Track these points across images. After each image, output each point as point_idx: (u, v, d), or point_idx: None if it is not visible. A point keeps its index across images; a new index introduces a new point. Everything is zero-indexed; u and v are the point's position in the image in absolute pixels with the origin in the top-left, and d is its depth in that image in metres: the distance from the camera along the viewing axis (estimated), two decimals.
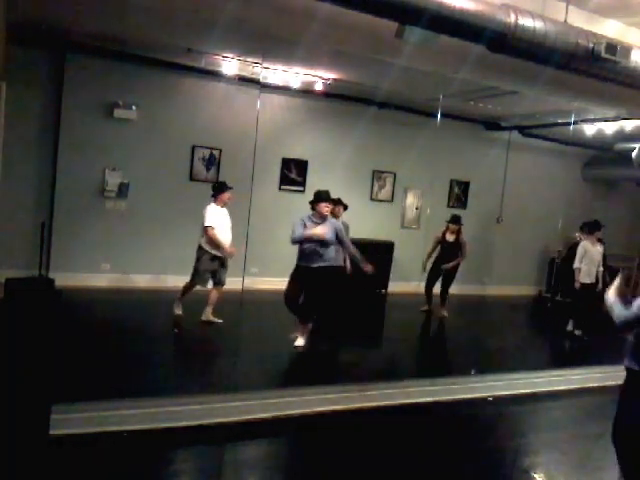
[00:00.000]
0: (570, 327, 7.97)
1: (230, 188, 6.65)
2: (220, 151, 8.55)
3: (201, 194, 7.19)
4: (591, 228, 7.86)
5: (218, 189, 6.62)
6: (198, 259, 6.48)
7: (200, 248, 6.48)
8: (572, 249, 9.24)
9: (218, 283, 6.60)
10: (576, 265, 7.71)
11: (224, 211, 6.61)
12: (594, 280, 7.70)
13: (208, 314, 6.58)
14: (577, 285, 7.65)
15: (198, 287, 6.68)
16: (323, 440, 4.29)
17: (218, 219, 6.46)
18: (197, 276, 6.49)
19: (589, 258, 7.67)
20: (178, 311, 6.68)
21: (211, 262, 6.47)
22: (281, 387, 5.00)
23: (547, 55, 4.45)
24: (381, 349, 7.12)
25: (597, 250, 7.77)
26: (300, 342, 5.99)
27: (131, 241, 8.14)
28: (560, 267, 9.62)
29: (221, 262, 6.58)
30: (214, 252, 6.45)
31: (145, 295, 7.95)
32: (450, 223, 8.21)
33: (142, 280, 8.19)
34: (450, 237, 8.20)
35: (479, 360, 6.53)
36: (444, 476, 3.99)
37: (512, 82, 6.14)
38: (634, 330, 3.10)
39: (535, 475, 4.04)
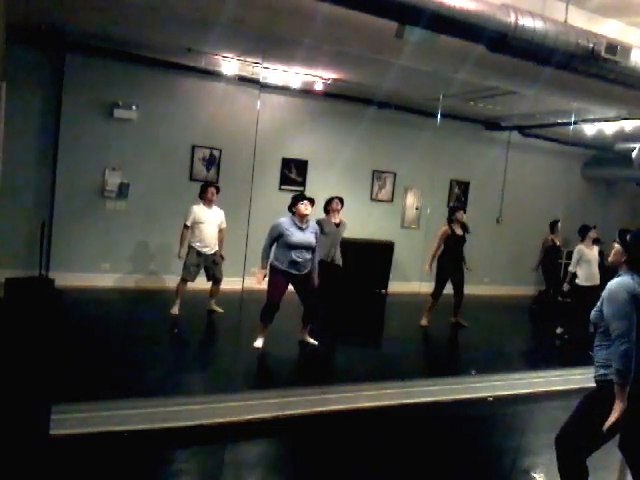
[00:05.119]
0: (559, 330, 7.96)
1: (211, 184, 7.01)
2: (220, 151, 8.54)
3: None
4: (581, 232, 7.83)
5: (201, 189, 6.96)
6: (186, 254, 6.81)
7: (189, 244, 6.85)
8: (548, 251, 9.31)
9: (212, 279, 6.95)
10: (571, 269, 7.68)
11: (211, 210, 6.88)
12: (597, 282, 7.57)
13: (211, 305, 7.11)
14: (576, 287, 7.61)
15: (193, 285, 6.88)
16: (323, 440, 4.29)
17: (200, 217, 6.78)
18: (184, 270, 6.80)
19: (586, 261, 7.60)
20: (175, 311, 6.78)
21: (197, 257, 6.77)
22: (281, 387, 4.99)
23: (547, 55, 4.45)
24: (381, 349, 7.11)
25: (593, 252, 7.73)
26: (260, 343, 5.80)
27: (131, 241, 8.14)
28: (539, 270, 9.63)
29: (212, 259, 6.86)
30: (198, 247, 6.77)
31: (145, 295, 7.95)
32: (457, 211, 7.64)
33: (142, 280, 8.19)
34: (459, 230, 7.57)
35: (479, 360, 6.53)
36: (444, 476, 3.99)
37: (512, 82, 6.14)
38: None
39: (535, 475, 4.04)
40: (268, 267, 5.83)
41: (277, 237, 5.73)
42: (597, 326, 3.07)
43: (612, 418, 2.84)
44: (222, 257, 6.95)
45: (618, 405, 2.84)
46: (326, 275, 6.92)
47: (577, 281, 7.64)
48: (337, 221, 7.15)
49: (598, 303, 3.07)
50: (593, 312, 3.11)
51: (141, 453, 3.77)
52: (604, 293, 3.03)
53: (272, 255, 5.83)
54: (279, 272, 5.73)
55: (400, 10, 3.87)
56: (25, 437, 3.49)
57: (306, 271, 5.80)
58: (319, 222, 7.04)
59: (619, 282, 2.98)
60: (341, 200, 7.24)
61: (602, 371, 3.03)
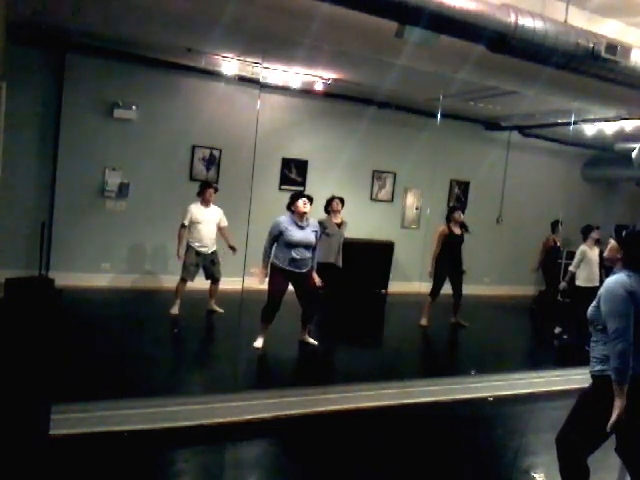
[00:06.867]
0: (557, 330, 7.95)
1: (210, 185, 7.03)
2: (220, 151, 8.55)
3: None
4: (583, 232, 7.81)
5: (199, 188, 6.99)
6: (185, 254, 6.81)
7: (187, 243, 6.84)
8: (549, 252, 9.29)
9: (211, 278, 6.99)
10: (571, 269, 7.66)
11: (209, 209, 6.91)
12: (597, 284, 7.51)
13: (211, 305, 7.12)
14: (576, 287, 7.60)
15: (193, 285, 6.91)
16: (323, 440, 4.29)
17: (197, 217, 6.79)
18: (183, 269, 6.81)
19: (588, 262, 7.57)
20: (175, 311, 6.79)
21: (196, 256, 6.79)
22: (281, 387, 4.99)
23: (547, 55, 4.45)
24: (381, 349, 7.11)
25: (594, 253, 7.71)
26: (260, 343, 5.82)
27: (131, 241, 8.15)
28: (540, 270, 9.61)
29: (210, 259, 6.90)
30: (197, 247, 6.80)
31: (145, 295, 7.95)
32: (455, 212, 7.63)
33: (142, 280, 8.19)
34: (457, 230, 7.54)
35: (479, 360, 6.53)
36: (444, 476, 3.99)
37: (512, 82, 6.14)
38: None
39: (535, 475, 4.04)
40: (269, 266, 5.85)
41: (277, 235, 5.74)
42: (594, 323, 3.07)
43: (613, 417, 2.84)
44: (234, 248, 6.83)
45: (617, 403, 2.84)
46: (327, 277, 6.92)
47: (577, 282, 7.62)
48: (338, 221, 7.16)
49: (595, 300, 3.08)
50: (590, 309, 3.11)
51: (141, 453, 3.77)
52: (601, 290, 3.04)
53: (272, 254, 5.85)
54: (279, 271, 5.75)
55: (400, 10, 3.87)
56: (25, 437, 3.49)
57: (306, 269, 5.81)
58: (321, 222, 7.03)
59: (616, 280, 2.97)
60: (341, 200, 7.25)
61: (599, 367, 3.03)
